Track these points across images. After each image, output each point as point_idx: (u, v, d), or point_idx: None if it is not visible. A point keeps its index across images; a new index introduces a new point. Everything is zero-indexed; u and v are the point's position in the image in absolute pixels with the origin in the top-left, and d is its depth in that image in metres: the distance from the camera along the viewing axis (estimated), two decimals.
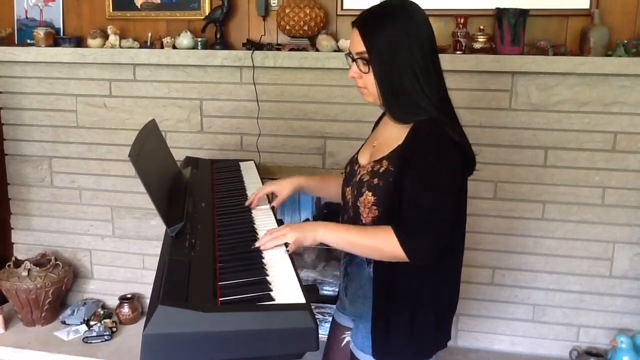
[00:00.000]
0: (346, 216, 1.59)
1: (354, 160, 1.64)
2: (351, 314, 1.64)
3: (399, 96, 1.43)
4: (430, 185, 1.38)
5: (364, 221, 1.50)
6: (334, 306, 1.79)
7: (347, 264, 1.63)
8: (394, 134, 1.48)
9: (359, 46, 1.44)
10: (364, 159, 1.58)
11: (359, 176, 1.54)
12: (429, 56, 1.43)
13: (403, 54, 1.40)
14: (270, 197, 1.85)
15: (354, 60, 1.47)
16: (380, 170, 1.46)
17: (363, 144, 1.68)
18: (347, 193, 1.60)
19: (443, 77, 1.48)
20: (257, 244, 1.46)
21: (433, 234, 1.38)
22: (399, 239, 1.36)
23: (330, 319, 1.82)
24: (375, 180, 1.46)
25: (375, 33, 1.42)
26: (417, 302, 1.48)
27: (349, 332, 1.66)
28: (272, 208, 1.81)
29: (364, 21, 1.45)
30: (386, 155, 1.47)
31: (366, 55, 1.43)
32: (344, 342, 1.67)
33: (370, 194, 1.46)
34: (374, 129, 1.70)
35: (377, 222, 1.47)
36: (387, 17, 1.42)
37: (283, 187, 1.80)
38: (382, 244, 1.39)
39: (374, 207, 1.46)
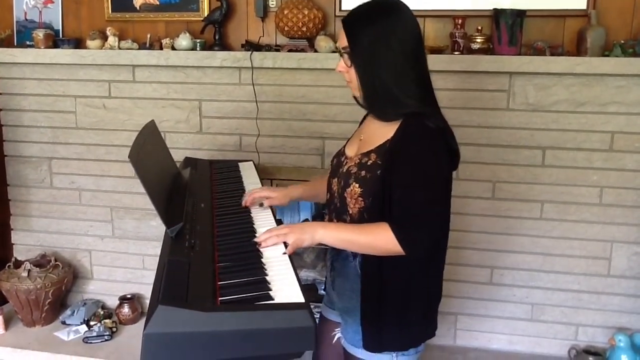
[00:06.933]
0: (332, 207, 1.61)
1: (340, 153, 1.67)
2: (339, 308, 1.66)
3: (378, 91, 1.46)
4: (421, 179, 1.41)
5: (350, 212, 1.52)
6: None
7: (334, 258, 1.65)
8: (382, 128, 1.51)
9: (344, 41, 1.49)
10: (351, 152, 1.61)
11: (345, 167, 1.57)
12: (412, 54, 1.46)
13: (384, 50, 1.43)
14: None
15: (341, 55, 1.52)
16: (368, 163, 1.49)
17: (350, 138, 1.70)
18: (333, 184, 1.62)
19: (429, 75, 1.51)
20: (256, 239, 1.49)
21: (428, 226, 1.41)
22: (395, 234, 1.39)
23: None
24: (363, 173, 1.49)
25: (357, 29, 1.46)
26: (405, 293, 1.51)
27: (339, 329, 1.66)
28: (270, 207, 1.82)
29: (350, 17, 1.50)
30: (374, 149, 1.50)
31: (349, 50, 1.47)
32: (335, 338, 1.67)
33: (357, 185, 1.49)
34: (360, 123, 1.72)
35: (363, 212, 1.50)
36: (371, 14, 1.47)
37: (281, 199, 1.82)
38: (380, 240, 1.42)
39: (360, 199, 1.49)
